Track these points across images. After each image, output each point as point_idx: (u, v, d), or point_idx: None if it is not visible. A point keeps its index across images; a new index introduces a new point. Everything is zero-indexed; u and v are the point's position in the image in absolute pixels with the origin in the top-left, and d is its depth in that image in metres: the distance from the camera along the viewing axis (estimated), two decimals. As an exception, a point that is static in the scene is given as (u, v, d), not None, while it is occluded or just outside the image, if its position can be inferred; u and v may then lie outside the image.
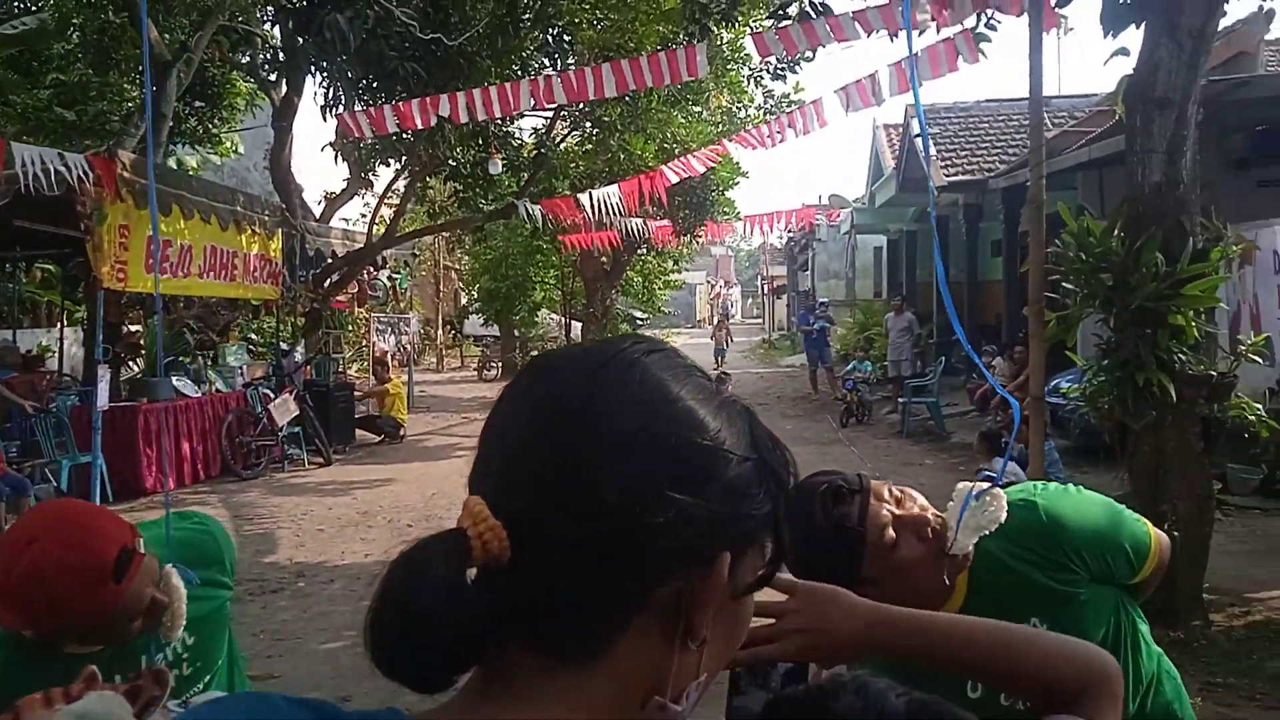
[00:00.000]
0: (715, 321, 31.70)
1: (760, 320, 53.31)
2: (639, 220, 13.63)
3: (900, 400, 12.99)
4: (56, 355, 13.96)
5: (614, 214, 10.78)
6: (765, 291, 52.16)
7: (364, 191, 15.23)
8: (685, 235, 15.76)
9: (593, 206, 10.30)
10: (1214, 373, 5.00)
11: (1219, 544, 5.16)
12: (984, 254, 18.00)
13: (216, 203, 10.38)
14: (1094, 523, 1.65)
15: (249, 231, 11.22)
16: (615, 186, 10.34)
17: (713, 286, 62.73)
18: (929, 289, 19.37)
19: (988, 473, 7.63)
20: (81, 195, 8.16)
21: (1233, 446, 7.58)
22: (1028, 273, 5.16)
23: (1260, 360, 5.31)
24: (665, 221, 14.79)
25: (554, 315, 22.51)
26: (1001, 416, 11.64)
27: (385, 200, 14.82)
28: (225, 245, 10.72)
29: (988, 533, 1.59)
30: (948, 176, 14.05)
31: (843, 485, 1.51)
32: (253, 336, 15.49)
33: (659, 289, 21.90)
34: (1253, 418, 5.00)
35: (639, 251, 18.40)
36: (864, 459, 11.28)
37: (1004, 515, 1.58)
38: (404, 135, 10.22)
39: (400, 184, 13.47)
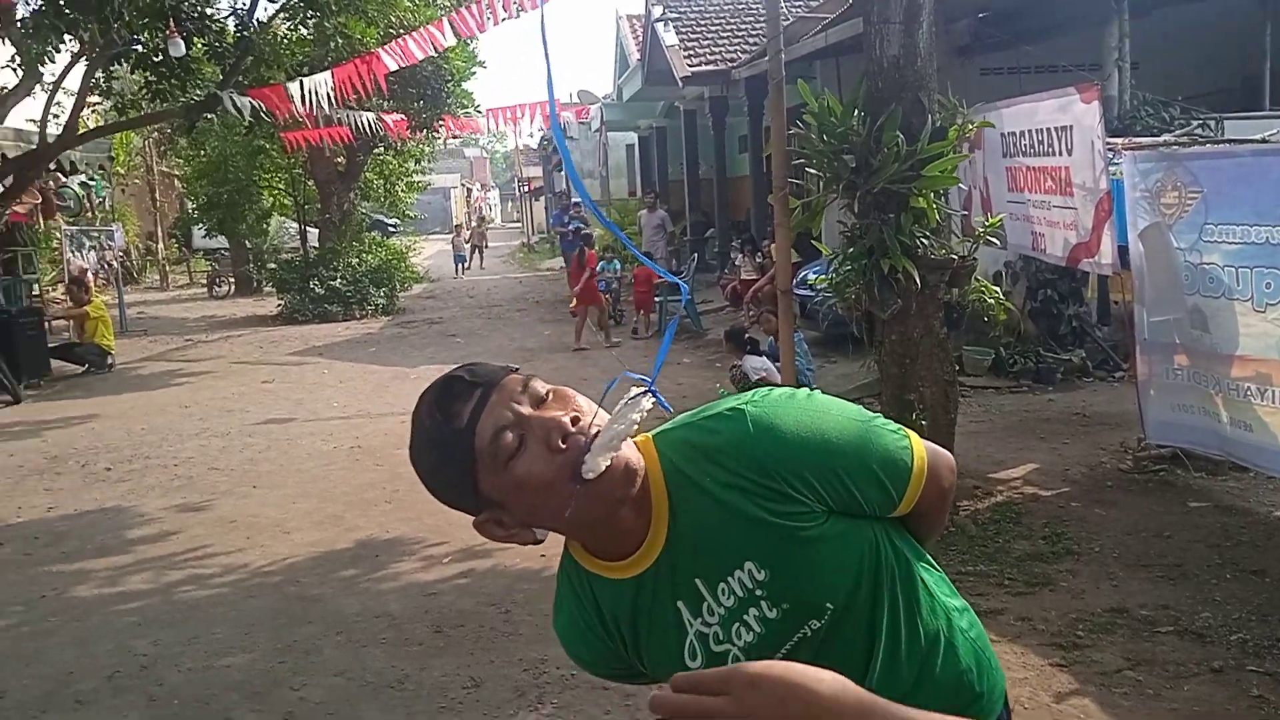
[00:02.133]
0: (458, 226, 30.61)
1: (520, 224, 52.32)
2: (370, 114, 12.45)
3: (655, 299, 12.78)
4: None
5: (331, 105, 9.65)
6: (523, 194, 51.13)
7: (44, 86, 13.11)
8: (423, 130, 14.64)
9: (305, 97, 9.15)
10: (955, 256, 4.89)
11: (958, 426, 5.15)
12: (731, 149, 18.04)
13: None
14: (822, 436, 1.23)
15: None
16: (328, 73, 9.20)
17: (469, 190, 60.84)
18: (681, 186, 19.30)
19: (746, 366, 7.47)
20: None
21: (965, 328, 7.80)
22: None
23: (996, 242, 5.27)
24: (400, 115, 13.64)
25: (290, 223, 20.78)
26: (753, 311, 11.69)
27: (63, 92, 12.80)
28: None
29: (619, 449, 1.15)
30: (691, 67, 13.72)
31: (461, 378, 1.19)
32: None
33: (402, 191, 20.58)
34: (991, 301, 4.95)
35: (376, 150, 17.05)
36: (622, 361, 11.00)
37: (633, 425, 1.17)
38: (67, 11, 8.61)
39: (78, 73, 11.59)
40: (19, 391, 10.21)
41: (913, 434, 1.32)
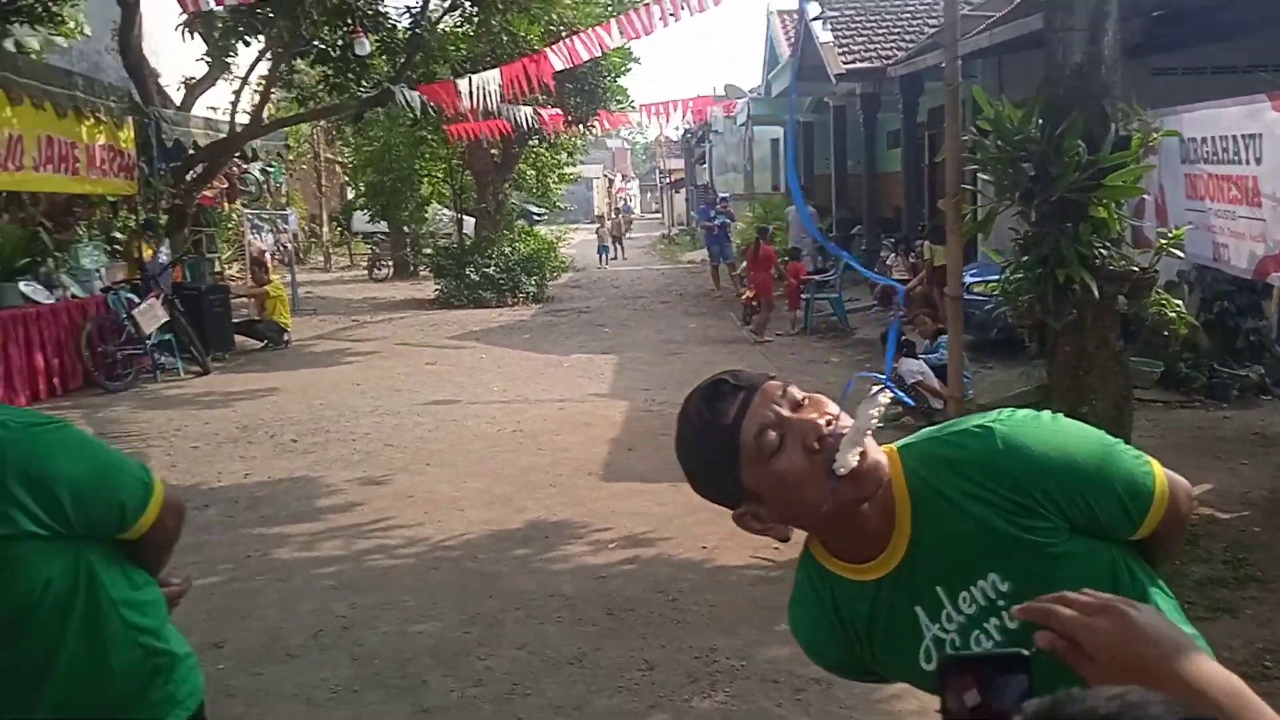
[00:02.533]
0: (600, 217, 30.96)
1: (660, 215, 52.71)
2: (528, 109, 12.87)
3: (803, 296, 12.78)
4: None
5: (496, 101, 10.04)
6: (664, 186, 51.46)
7: (228, 77, 14.03)
8: (578, 125, 15.01)
9: (473, 93, 9.56)
10: (1135, 268, 4.80)
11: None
12: (881, 145, 17.81)
13: (51, 86, 9.30)
14: (1068, 457, 1.31)
15: (92, 120, 10.16)
16: (496, 72, 9.59)
17: (610, 181, 61.62)
18: (828, 181, 19.15)
19: (876, 373, 7.46)
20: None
21: (1140, 340, 7.57)
22: (931, 164, 4.90)
23: (1179, 254, 5.14)
24: (556, 110, 14.04)
25: (446, 210, 21.60)
26: (905, 312, 11.57)
27: (249, 85, 13.67)
28: (63, 135, 9.68)
29: (864, 445, 1.26)
30: (845, 64, 13.63)
31: (725, 380, 1.32)
32: (118, 236, 14.32)
33: (554, 183, 21.12)
34: (1173, 314, 4.84)
35: (530, 143, 17.57)
36: (768, 357, 11.09)
37: (873, 420, 1.27)
38: (259, 10, 9.23)
39: (263, 67, 12.36)
40: (208, 364, 11.03)
41: (1154, 460, 1.40)
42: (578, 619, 4.28)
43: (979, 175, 4.99)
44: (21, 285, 9.68)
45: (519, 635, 4.14)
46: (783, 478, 1.27)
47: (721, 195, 18.13)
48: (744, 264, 13.90)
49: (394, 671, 3.84)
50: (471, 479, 6.53)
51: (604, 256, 26.32)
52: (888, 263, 12.64)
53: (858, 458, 1.26)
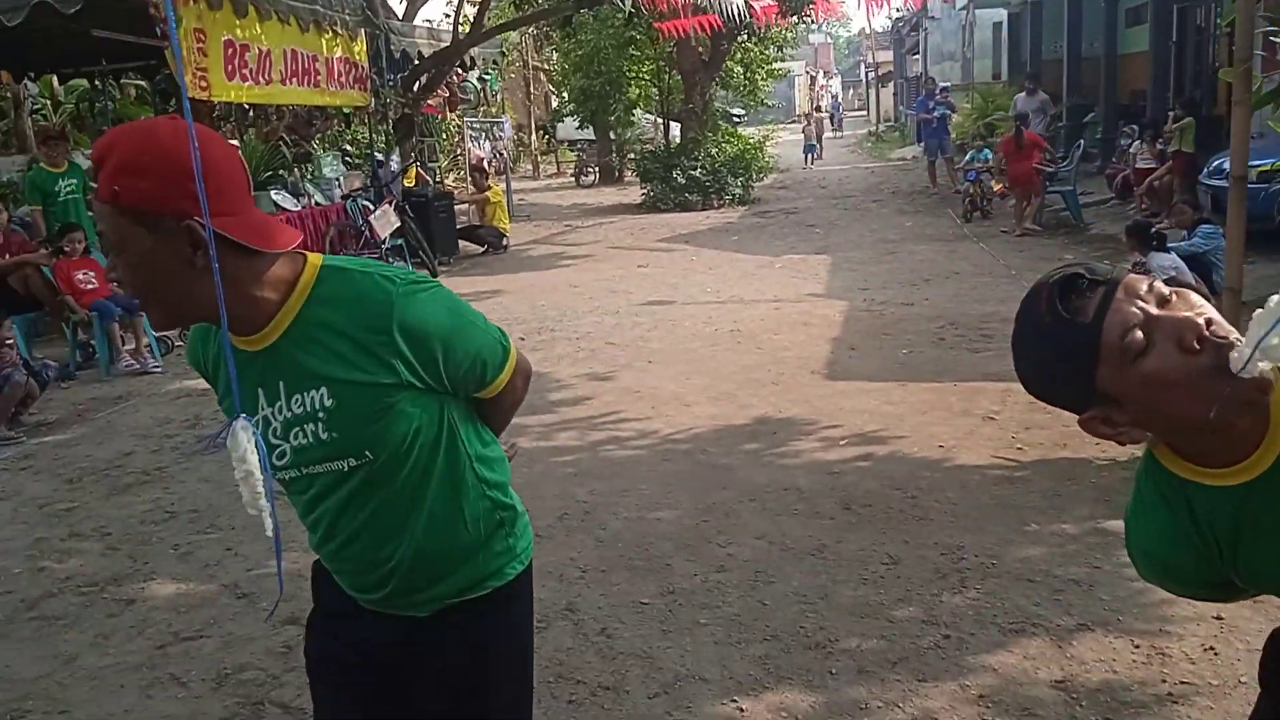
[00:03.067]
0: (807, 115, 30.03)
1: (863, 112, 50.67)
2: (740, 0, 12.49)
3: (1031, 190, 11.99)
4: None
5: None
6: (869, 80, 49.26)
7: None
8: (793, 15, 14.45)
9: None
10: None
11: None
12: (1120, 23, 16.27)
13: (295, 2, 9.77)
14: None
15: (330, 33, 10.64)
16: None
17: (813, 78, 59.56)
18: (1057, 66, 17.73)
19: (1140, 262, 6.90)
20: (152, -1, 7.67)
21: None
22: (1179, 43, 4.36)
23: None
24: (769, 1, 13.56)
25: (648, 115, 21.52)
26: (1149, 204, 10.67)
27: (460, 5, 13.93)
28: (306, 49, 10.19)
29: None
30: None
31: (1081, 275, 1.22)
32: (347, 147, 15.13)
33: (761, 80, 20.56)
34: None
35: (739, 38, 17.10)
36: (995, 255, 10.53)
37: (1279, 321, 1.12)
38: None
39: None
40: (435, 267, 11.57)
41: None
42: (814, 512, 4.26)
43: (1272, 39, 4.43)
44: (272, 194, 10.41)
45: (757, 525, 4.17)
46: (1151, 379, 1.18)
47: (941, 85, 17.12)
48: (995, 156, 13.14)
49: (637, 554, 3.96)
50: (694, 376, 6.58)
51: (810, 156, 25.60)
52: (1130, 150, 11.62)
53: (1269, 366, 1.14)
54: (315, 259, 1.58)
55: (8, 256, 7.69)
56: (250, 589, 3.85)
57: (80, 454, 5.65)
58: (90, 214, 8.73)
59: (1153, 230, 7.29)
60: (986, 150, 13.73)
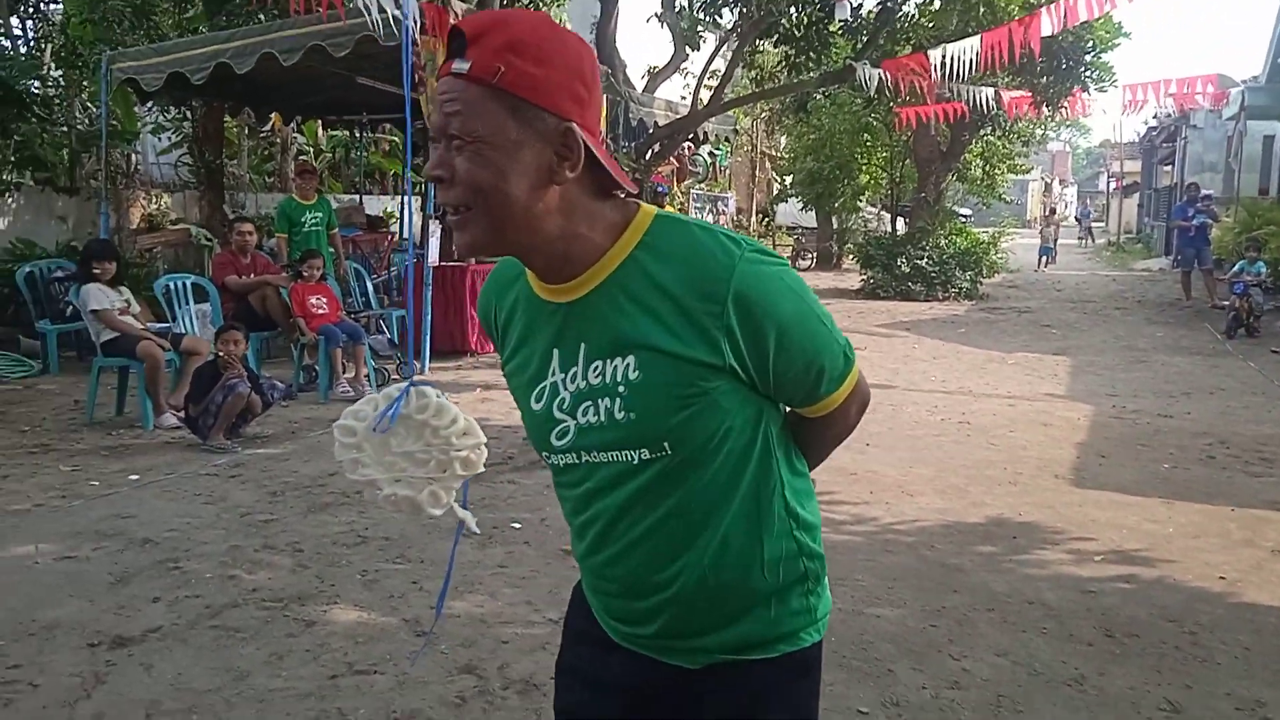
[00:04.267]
0: (1044, 217, 28.64)
1: (1100, 223, 48.08)
2: (990, 89, 11.94)
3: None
4: (399, 220, 14.57)
5: (969, 73, 9.29)
6: (1111, 190, 46.86)
7: (685, 69, 14.53)
8: (1048, 106, 13.67)
9: (945, 63, 8.90)
10: None
11: None
12: None
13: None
14: None
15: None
16: (977, 38, 8.83)
17: (1047, 184, 57.25)
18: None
19: None
20: (417, 46, 7.98)
21: None
22: None
23: None
24: (1022, 91, 12.90)
25: (871, 208, 21.01)
26: None
27: (708, 72, 14.01)
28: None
29: None
30: None
31: None
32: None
33: (1000, 175, 19.64)
34: None
35: (982, 130, 16.41)
36: (1265, 375, 9.33)
37: None
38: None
39: (726, 50, 12.61)
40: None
41: None
42: (1067, 634, 3.61)
43: None
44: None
45: (996, 640, 3.56)
46: None
47: (1205, 193, 15.73)
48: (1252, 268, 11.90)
49: (855, 654, 3.44)
50: (918, 465, 5.99)
51: (1045, 259, 24.23)
52: None
53: None
54: (650, 208, 1.30)
55: (252, 276, 8.07)
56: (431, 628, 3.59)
57: (287, 468, 5.68)
58: (330, 249, 9.14)
59: None
60: (1261, 263, 12.39)
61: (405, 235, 13.99)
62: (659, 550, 1.30)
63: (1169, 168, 30.10)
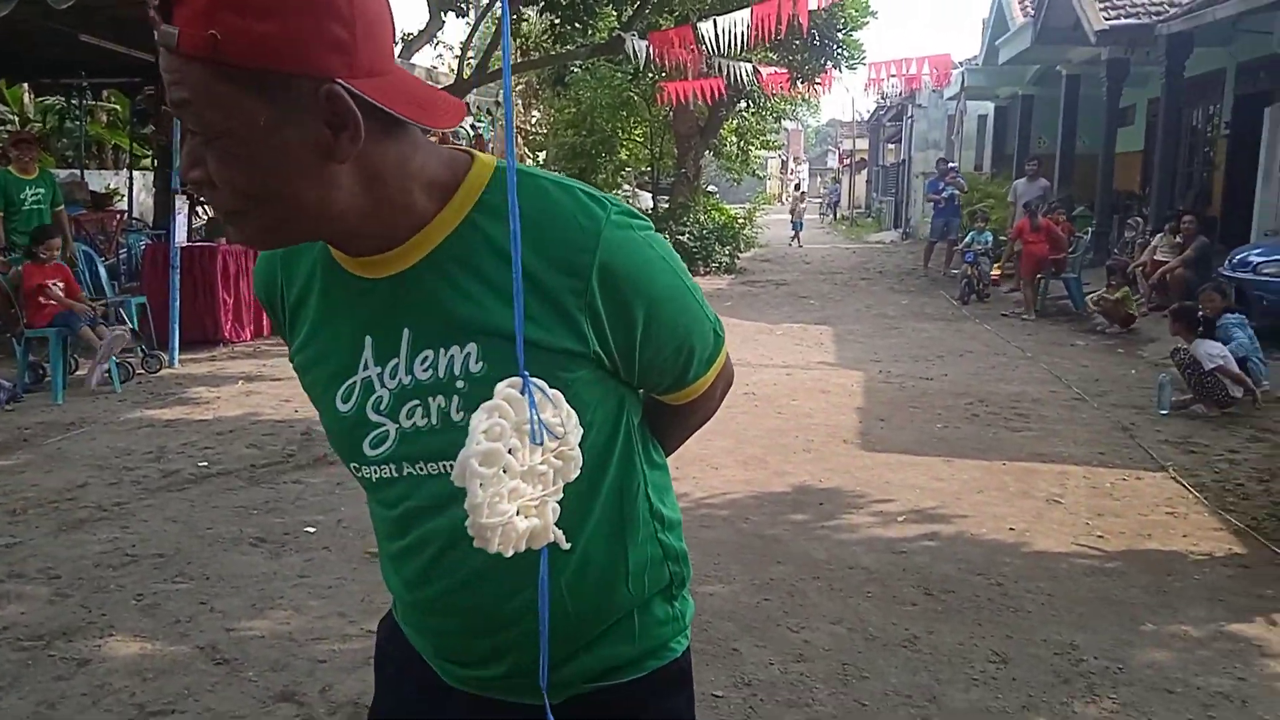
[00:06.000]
0: (792, 196, 30.23)
1: (820, 198, 51.37)
2: (748, 65, 12.28)
3: (1038, 277, 11.73)
4: (126, 198, 13.18)
5: (738, 48, 9.47)
6: (841, 167, 50.08)
7: (438, 41, 14.00)
8: (805, 83, 14.25)
9: (716, 37, 9.02)
10: None
11: None
12: (1116, 122, 16.37)
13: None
14: None
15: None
16: (747, 11, 9.01)
17: (784, 163, 60.37)
18: (1051, 161, 17.78)
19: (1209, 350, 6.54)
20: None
21: None
22: (1174, 141, 3.97)
23: None
24: (777, 69, 13.38)
25: (626, 186, 21.33)
26: (1157, 296, 10.45)
27: (468, 43, 13.58)
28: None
29: None
30: (1108, 20, 12.38)
31: None
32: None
33: (755, 150, 20.40)
34: None
35: (738, 105, 16.93)
36: (1002, 337, 10.19)
37: None
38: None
39: (491, 19, 12.24)
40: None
41: None
42: (891, 596, 3.70)
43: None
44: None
45: (829, 608, 3.59)
46: None
47: (951, 165, 16.94)
48: (1010, 240, 12.97)
49: (698, 635, 3.34)
50: (715, 438, 6.00)
51: (796, 234, 25.54)
52: (1153, 243, 11.35)
53: None
54: (487, 158, 1.05)
55: (-40, 263, 6.98)
56: (232, 654, 3.18)
57: (25, 482, 4.92)
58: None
59: (1200, 314, 6.95)
60: (988, 233, 13.54)
61: (135, 214, 12.71)
62: (505, 579, 1.07)
63: (894, 145, 32.48)
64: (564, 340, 1.01)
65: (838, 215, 40.27)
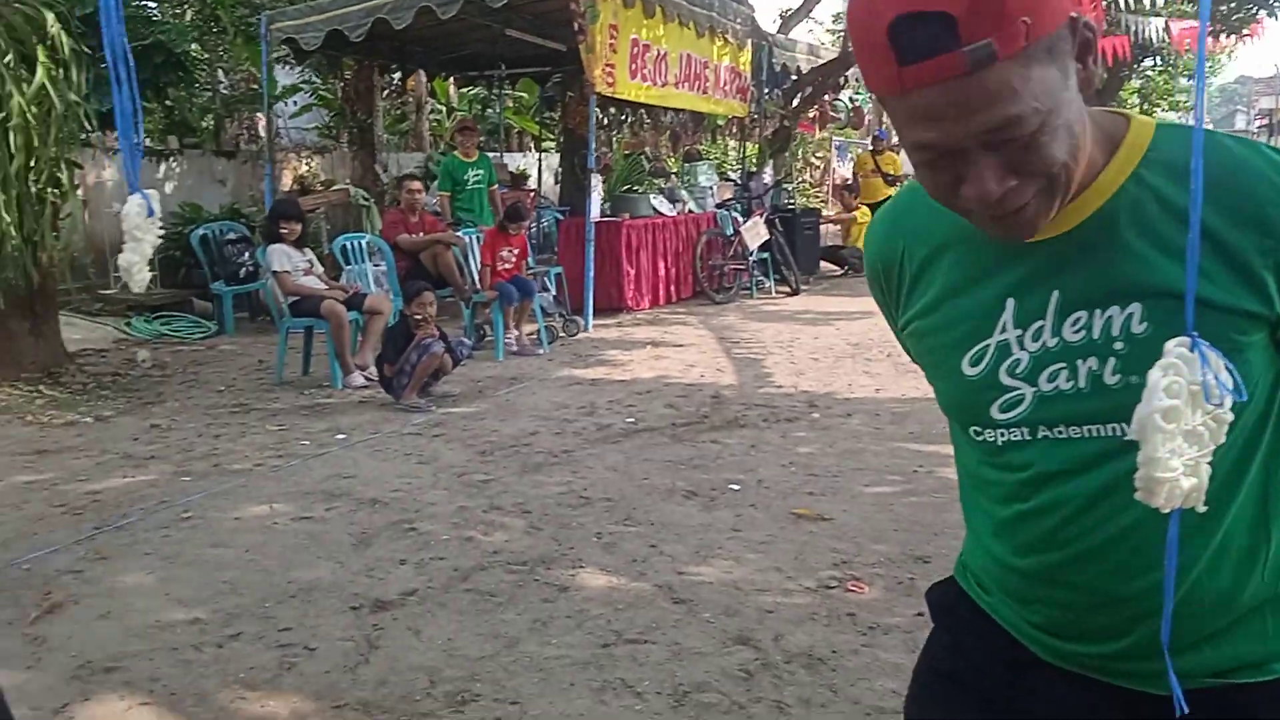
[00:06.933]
0: None
1: None
2: (1160, 20, 11.15)
3: None
4: (535, 178, 14.51)
5: (1145, 4, 8.62)
6: (1259, 126, 44.15)
7: (812, 15, 13.96)
8: (1231, 35, 12.67)
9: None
10: None
11: None
12: None
13: (695, 6, 9.74)
14: None
15: (721, 41, 10.54)
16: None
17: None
18: None
19: None
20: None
21: None
22: None
23: None
24: (1192, 22, 12.03)
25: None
26: None
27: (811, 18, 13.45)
28: (699, 54, 10.13)
29: None
30: None
31: None
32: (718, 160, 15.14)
33: (1159, 114, 18.52)
34: None
35: (1142, 64, 15.41)
36: None
37: None
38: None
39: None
40: (798, 284, 11.14)
41: None
42: None
43: None
44: (651, 199, 10.43)
45: None
46: None
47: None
48: None
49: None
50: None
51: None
52: None
53: None
54: (1142, 116, 1.03)
55: (422, 235, 8.06)
56: (686, 595, 3.45)
57: (486, 427, 5.64)
58: (490, 206, 9.08)
59: None
60: None
61: (543, 193, 13.96)
62: (1138, 552, 1.02)
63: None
64: (1244, 301, 0.97)
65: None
